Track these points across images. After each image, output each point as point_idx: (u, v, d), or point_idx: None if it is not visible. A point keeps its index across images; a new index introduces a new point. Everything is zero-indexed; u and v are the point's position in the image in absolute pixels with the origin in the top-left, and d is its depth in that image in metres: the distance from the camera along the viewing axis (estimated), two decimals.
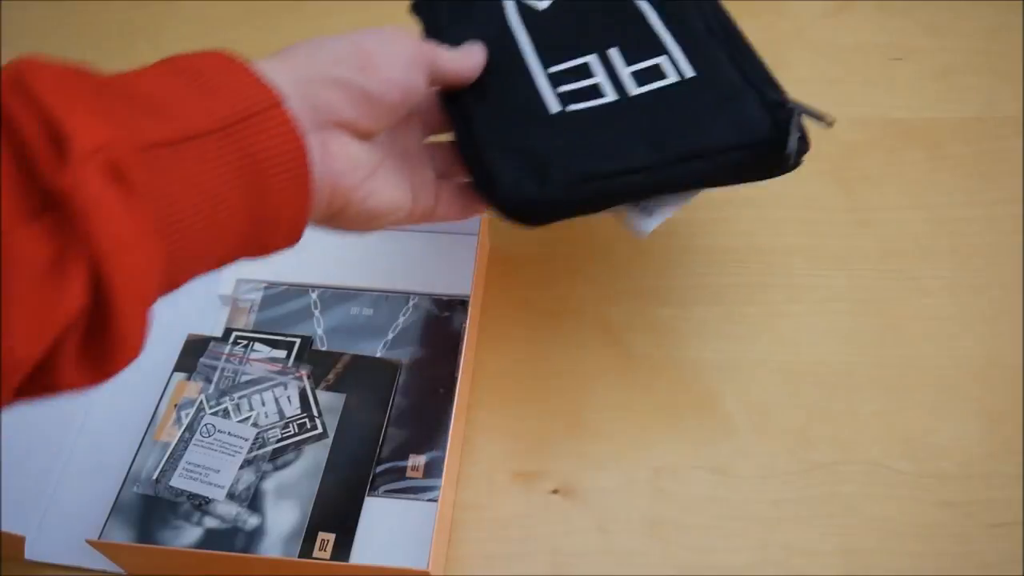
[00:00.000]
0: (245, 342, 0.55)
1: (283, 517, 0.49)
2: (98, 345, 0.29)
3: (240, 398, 0.53)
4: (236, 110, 0.32)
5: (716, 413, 0.54)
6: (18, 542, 0.48)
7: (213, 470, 0.50)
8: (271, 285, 0.59)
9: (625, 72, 0.48)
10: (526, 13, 0.52)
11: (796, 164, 0.45)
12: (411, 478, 0.51)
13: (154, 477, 0.50)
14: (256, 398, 0.53)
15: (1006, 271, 0.60)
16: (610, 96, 0.47)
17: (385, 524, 0.49)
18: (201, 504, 0.49)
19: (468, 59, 0.45)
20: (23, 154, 0.26)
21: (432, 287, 0.58)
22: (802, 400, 0.54)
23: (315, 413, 0.52)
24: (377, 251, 0.60)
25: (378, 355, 0.55)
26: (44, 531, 0.49)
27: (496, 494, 0.51)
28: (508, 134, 0.46)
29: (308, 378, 0.54)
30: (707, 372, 0.56)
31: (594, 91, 0.47)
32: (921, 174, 0.65)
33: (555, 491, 0.51)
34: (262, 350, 0.55)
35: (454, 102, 0.47)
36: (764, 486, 0.51)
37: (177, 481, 0.50)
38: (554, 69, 0.48)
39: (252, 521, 0.49)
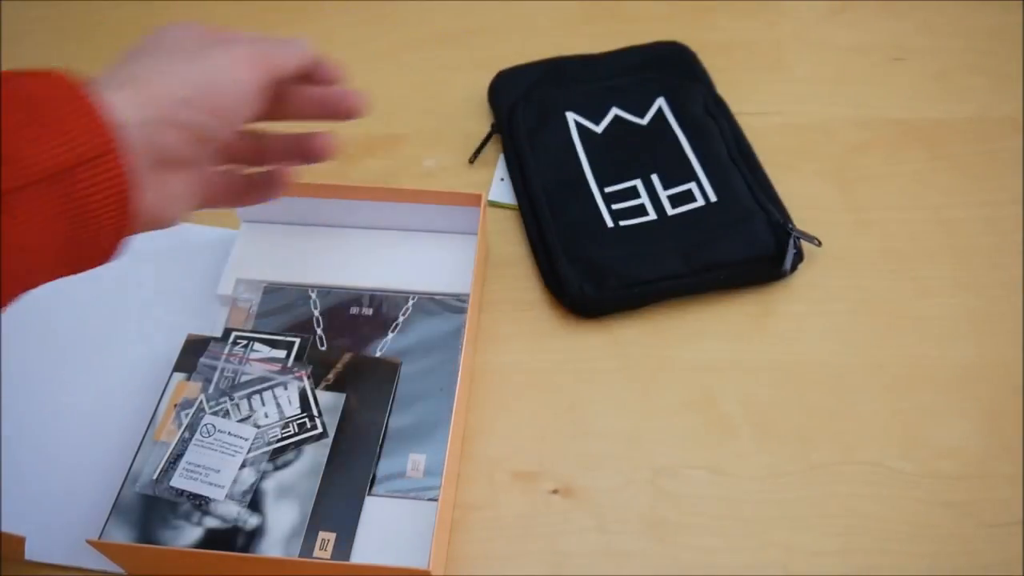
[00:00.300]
0: (245, 342, 0.55)
1: (283, 517, 0.49)
2: None
3: (240, 398, 0.53)
4: (68, 157, 0.32)
5: (716, 413, 0.54)
6: (18, 542, 0.47)
7: (213, 470, 0.50)
8: (271, 285, 0.59)
9: (663, 195, 0.61)
10: (585, 134, 0.65)
11: (793, 271, 0.58)
12: (411, 478, 0.51)
13: (154, 477, 0.50)
14: (256, 398, 0.53)
15: (1006, 271, 0.60)
16: (651, 215, 0.60)
17: (385, 524, 0.49)
18: (201, 504, 0.49)
19: (301, 56, 0.44)
20: None
21: (432, 287, 0.58)
22: (802, 400, 0.54)
23: (315, 413, 0.52)
24: (377, 251, 0.60)
25: (378, 355, 0.55)
26: (44, 531, 0.49)
27: (496, 494, 0.51)
28: (574, 244, 0.59)
29: (308, 378, 0.54)
30: (707, 372, 0.56)
31: (640, 210, 0.61)
32: (921, 174, 0.65)
33: (555, 491, 0.51)
34: (262, 350, 0.55)
35: (531, 211, 0.61)
36: (764, 486, 0.51)
37: (177, 481, 0.49)
38: (609, 189, 0.62)
39: (252, 521, 0.49)
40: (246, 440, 0.51)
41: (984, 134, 0.67)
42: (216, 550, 0.47)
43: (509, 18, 0.77)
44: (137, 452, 0.51)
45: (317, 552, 0.48)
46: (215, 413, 0.52)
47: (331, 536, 0.48)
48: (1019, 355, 0.56)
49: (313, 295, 0.58)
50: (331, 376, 0.54)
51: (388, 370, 0.54)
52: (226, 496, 0.49)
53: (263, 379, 0.54)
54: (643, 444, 0.53)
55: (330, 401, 0.53)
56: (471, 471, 0.52)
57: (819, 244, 0.58)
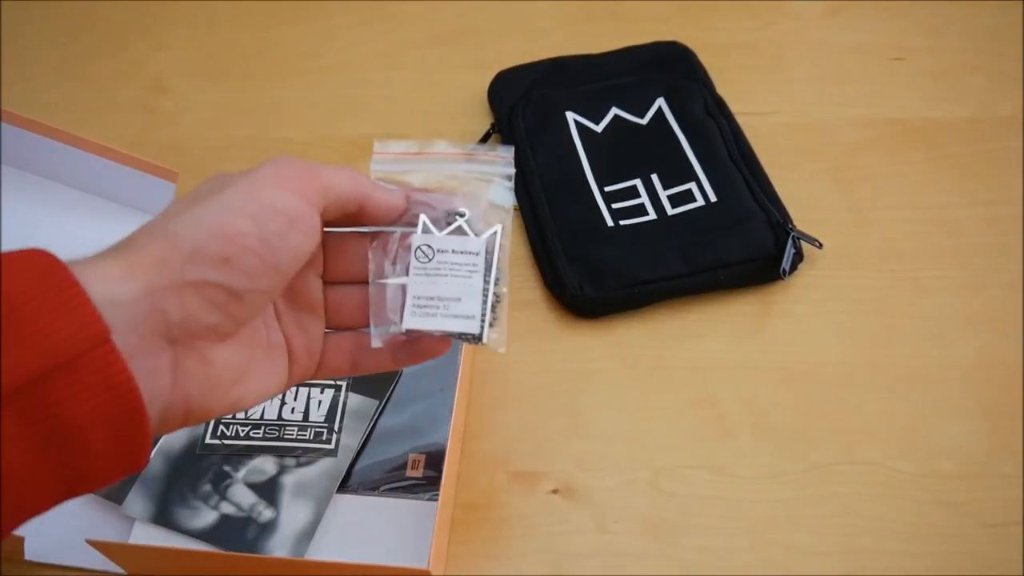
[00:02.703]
0: None
1: (297, 515, 0.49)
2: None
3: None
4: (36, 364, 0.26)
5: (716, 413, 0.54)
6: (18, 542, 0.47)
7: (452, 299, 0.38)
8: None
9: (663, 195, 0.61)
10: (585, 133, 0.65)
11: (792, 271, 0.58)
12: (411, 478, 0.51)
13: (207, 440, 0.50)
14: (292, 390, 0.53)
15: (1006, 271, 0.60)
16: (651, 215, 0.60)
17: (385, 524, 0.49)
18: (227, 479, 0.49)
19: (396, 201, 0.36)
20: None
21: None
22: (802, 400, 0.54)
23: (336, 428, 0.52)
24: None
25: None
26: (44, 531, 0.49)
27: (496, 494, 0.51)
28: (574, 244, 0.59)
29: (346, 389, 0.54)
30: (707, 372, 0.56)
31: (640, 210, 0.60)
32: (921, 174, 0.65)
33: (555, 491, 0.51)
34: None
35: (531, 211, 0.61)
36: (764, 486, 0.51)
37: (410, 321, 0.37)
38: (608, 189, 0.62)
39: (267, 514, 0.49)
40: (476, 254, 0.38)
41: (984, 134, 0.67)
42: (226, 539, 0.48)
43: (509, 18, 0.77)
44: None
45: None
46: None
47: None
48: (1019, 355, 0.56)
49: None
50: None
51: (388, 374, 0.54)
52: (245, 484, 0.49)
53: None
54: (643, 444, 0.53)
55: (359, 406, 0.53)
56: (471, 471, 0.52)
57: (820, 246, 0.58)
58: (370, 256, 0.37)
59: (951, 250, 0.61)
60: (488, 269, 0.38)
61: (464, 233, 0.38)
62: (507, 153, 0.39)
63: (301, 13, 0.78)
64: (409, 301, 0.37)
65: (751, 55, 0.73)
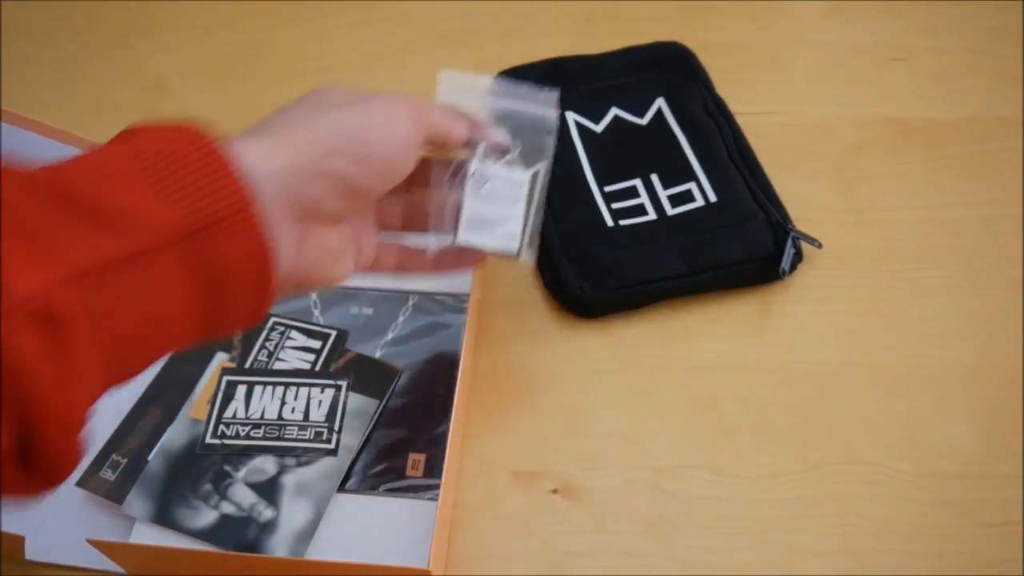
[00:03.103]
0: (283, 328, 0.56)
1: (297, 515, 0.49)
2: (34, 469, 0.29)
3: (277, 384, 0.53)
4: (199, 217, 0.31)
5: (716, 413, 0.54)
6: (18, 542, 0.47)
7: (499, 221, 0.46)
8: None
9: (663, 195, 0.61)
10: (585, 133, 0.65)
11: (792, 271, 0.58)
12: (411, 478, 0.51)
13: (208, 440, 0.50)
14: (292, 390, 0.53)
15: (1006, 271, 0.60)
16: (651, 215, 0.60)
17: (385, 524, 0.49)
18: (227, 479, 0.49)
19: (464, 136, 0.44)
20: None
21: (432, 287, 0.58)
22: (802, 400, 0.54)
23: (336, 428, 0.52)
24: None
25: (377, 355, 0.55)
26: (44, 531, 0.49)
27: (496, 494, 0.51)
28: (574, 244, 0.58)
29: (346, 389, 0.54)
30: (707, 372, 0.56)
31: (639, 210, 0.60)
32: (921, 174, 0.65)
33: (555, 491, 0.51)
34: (298, 339, 0.55)
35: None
36: (764, 486, 0.51)
37: (464, 236, 0.45)
38: (608, 188, 0.61)
39: (267, 514, 0.49)
40: (521, 183, 0.46)
41: (984, 134, 0.67)
42: (226, 538, 0.48)
43: (509, 18, 0.77)
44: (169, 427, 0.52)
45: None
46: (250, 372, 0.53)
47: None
48: (1019, 355, 0.56)
49: (313, 295, 0.58)
50: (331, 369, 0.54)
51: (388, 374, 0.54)
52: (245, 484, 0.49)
53: (300, 374, 0.54)
54: (643, 444, 0.53)
55: (360, 406, 0.53)
56: (471, 471, 0.52)
57: (820, 246, 0.58)
58: (432, 178, 0.44)
59: (951, 250, 0.61)
60: (530, 200, 0.46)
61: (513, 166, 0.45)
62: (552, 95, 0.47)
63: (301, 13, 0.78)
64: (463, 218, 0.45)
65: (751, 55, 0.73)
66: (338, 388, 0.54)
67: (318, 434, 0.52)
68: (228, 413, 0.52)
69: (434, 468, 0.51)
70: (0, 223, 0.27)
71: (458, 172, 0.44)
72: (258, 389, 0.53)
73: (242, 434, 0.52)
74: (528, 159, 0.46)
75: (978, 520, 0.49)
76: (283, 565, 0.46)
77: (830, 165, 0.66)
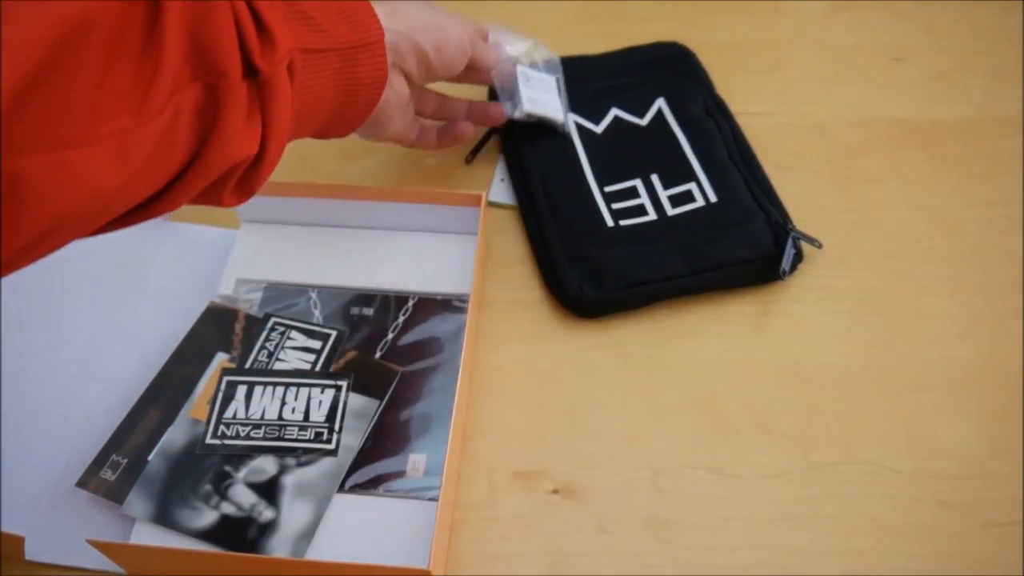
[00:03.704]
0: (283, 328, 0.56)
1: (297, 515, 0.49)
2: (247, 178, 0.41)
3: (277, 384, 0.54)
4: (357, 37, 0.44)
5: (716, 413, 0.54)
6: (18, 542, 0.48)
7: (546, 102, 0.64)
8: (271, 285, 0.59)
9: (663, 195, 0.61)
10: (584, 134, 0.65)
11: (792, 271, 0.58)
12: (411, 478, 0.51)
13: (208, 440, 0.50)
14: (293, 390, 0.53)
15: (1006, 271, 0.60)
16: (652, 215, 0.60)
17: (385, 524, 0.49)
18: (228, 479, 0.49)
19: (494, 59, 0.59)
20: (238, 32, 0.37)
21: (432, 287, 0.58)
22: (802, 400, 0.54)
23: (336, 428, 0.52)
24: (377, 251, 0.60)
25: (377, 356, 0.55)
26: (44, 531, 0.49)
27: (496, 494, 0.51)
28: (574, 244, 0.59)
29: (346, 389, 0.54)
30: (707, 372, 0.56)
31: (640, 210, 0.61)
32: (921, 174, 0.65)
33: (555, 491, 0.51)
34: (298, 339, 0.55)
35: (532, 211, 0.62)
36: (764, 486, 0.51)
37: (525, 107, 0.62)
38: (608, 189, 0.62)
39: (267, 514, 0.49)
40: (554, 81, 0.65)
41: (984, 134, 0.67)
42: (226, 539, 0.48)
43: (509, 18, 0.77)
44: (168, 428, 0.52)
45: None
46: (251, 373, 0.53)
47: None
48: (1019, 355, 0.56)
49: (313, 295, 0.58)
50: (331, 368, 0.54)
51: (388, 375, 0.54)
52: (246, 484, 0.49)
53: (300, 374, 0.54)
54: (643, 444, 0.53)
55: (361, 406, 0.53)
56: (471, 471, 0.52)
57: (820, 246, 0.58)
58: (495, 75, 0.60)
59: (951, 250, 0.61)
60: (560, 92, 0.65)
61: (542, 72, 0.65)
62: (554, 55, 0.66)
63: None
64: (524, 97, 0.62)
65: (751, 55, 0.73)
66: (338, 388, 0.54)
67: (318, 434, 0.52)
68: (228, 413, 0.52)
69: (434, 469, 0.51)
70: (263, 7, 0.38)
71: (503, 70, 0.61)
72: (258, 389, 0.53)
73: (242, 434, 0.52)
74: (550, 71, 0.65)
75: (978, 520, 0.50)
76: (283, 565, 0.46)
77: (830, 165, 0.66)
